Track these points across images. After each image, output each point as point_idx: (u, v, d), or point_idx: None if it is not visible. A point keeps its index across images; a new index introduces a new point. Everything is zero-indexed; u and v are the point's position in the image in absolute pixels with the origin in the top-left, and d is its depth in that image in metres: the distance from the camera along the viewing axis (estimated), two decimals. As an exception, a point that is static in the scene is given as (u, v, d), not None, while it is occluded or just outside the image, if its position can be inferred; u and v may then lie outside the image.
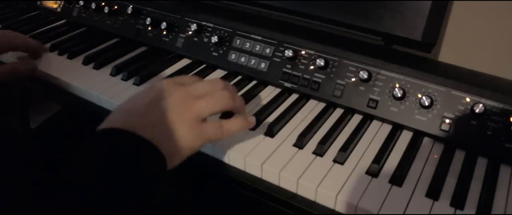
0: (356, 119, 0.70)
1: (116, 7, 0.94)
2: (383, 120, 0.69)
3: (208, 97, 0.56)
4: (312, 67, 0.73)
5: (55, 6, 1.05)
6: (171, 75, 0.79)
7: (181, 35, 0.85)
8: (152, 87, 0.55)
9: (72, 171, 0.47)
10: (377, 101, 0.68)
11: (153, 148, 0.49)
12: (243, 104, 0.62)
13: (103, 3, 0.95)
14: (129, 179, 0.47)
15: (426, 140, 0.66)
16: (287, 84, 0.74)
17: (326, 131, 0.65)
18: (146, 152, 0.49)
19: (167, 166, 0.50)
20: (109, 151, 0.48)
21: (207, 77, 0.80)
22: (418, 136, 0.66)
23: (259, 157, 0.60)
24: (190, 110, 0.54)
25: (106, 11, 0.94)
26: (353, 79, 0.70)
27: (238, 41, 0.79)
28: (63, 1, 1.03)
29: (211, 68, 0.82)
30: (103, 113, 0.74)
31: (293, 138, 0.64)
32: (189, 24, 0.84)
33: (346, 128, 0.68)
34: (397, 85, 0.67)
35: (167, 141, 0.51)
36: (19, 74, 0.78)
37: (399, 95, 0.66)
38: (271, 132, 0.65)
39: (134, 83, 0.78)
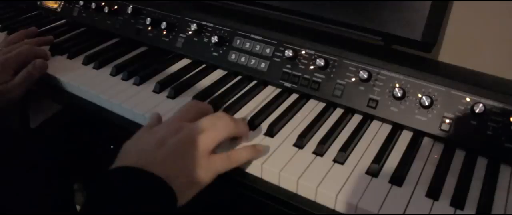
0: (356, 119, 0.70)
1: (116, 7, 0.94)
2: (383, 120, 0.69)
3: (211, 129, 0.58)
4: (312, 67, 0.73)
5: (55, 6, 1.05)
6: (172, 75, 0.79)
7: (181, 35, 0.85)
8: (159, 127, 0.59)
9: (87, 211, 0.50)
10: (377, 101, 0.68)
11: (164, 185, 0.51)
12: (247, 130, 0.63)
13: (103, 3, 0.95)
14: None
15: (426, 140, 0.66)
16: (287, 84, 0.74)
17: (326, 131, 0.65)
18: (158, 189, 0.51)
19: (177, 202, 0.52)
20: (124, 190, 0.50)
21: (207, 77, 0.80)
22: (418, 136, 0.66)
23: (259, 157, 0.60)
24: (196, 144, 0.56)
25: (106, 11, 0.94)
26: (353, 79, 0.70)
27: (238, 41, 0.79)
28: (63, 1, 1.03)
29: (211, 68, 0.82)
30: (102, 112, 0.74)
31: (293, 138, 0.64)
32: (189, 24, 0.84)
33: (346, 128, 0.68)
34: (397, 85, 0.67)
35: (178, 178, 0.52)
36: (35, 79, 0.79)
37: (399, 95, 0.66)
38: (271, 132, 0.65)
39: (134, 83, 0.78)
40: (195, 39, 0.84)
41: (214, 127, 0.58)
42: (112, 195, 0.49)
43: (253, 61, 0.78)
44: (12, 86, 0.76)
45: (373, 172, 0.58)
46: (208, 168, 0.56)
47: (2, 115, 0.81)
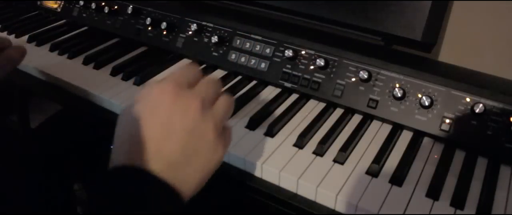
0: (356, 119, 0.70)
1: (116, 7, 0.94)
2: (383, 120, 0.69)
3: (222, 103, 0.48)
4: (312, 67, 0.73)
5: (55, 6, 1.05)
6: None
7: (181, 35, 0.85)
8: (157, 103, 0.45)
9: None
10: (377, 101, 0.68)
11: (172, 192, 0.42)
12: None
13: (103, 3, 0.95)
14: None
15: (426, 140, 0.66)
16: (287, 84, 0.74)
17: (326, 131, 0.65)
18: (164, 197, 0.42)
19: (184, 205, 0.44)
20: (124, 198, 0.40)
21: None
22: (418, 136, 0.66)
23: (259, 157, 0.60)
24: (210, 124, 0.45)
25: (106, 11, 0.94)
26: (353, 79, 0.70)
27: (238, 41, 0.79)
28: (63, 1, 1.03)
29: (211, 68, 0.82)
30: (103, 112, 0.74)
31: (293, 138, 0.64)
32: (189, 24, 0.84)
33: (346, 128, 0.68)
34: (397, 85, 0.67)
35: (193, 177, 0.44)
36: (15, 62, 0.71)
37: (399, 95, 0.66)
38: (271, 132, 0.65)
39: (134, 83, 0.78)
40: (195, 39, 0.84)
41: (223, 100, 0.48)
42: (112, 204, 0.40)
43: (253, 61, 0.78)
44: None
45: (373, 172, 0.58)
46: (221, 153, 0.47)
47: None
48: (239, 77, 0.80)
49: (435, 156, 0.62)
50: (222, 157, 0.47)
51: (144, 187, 0.41)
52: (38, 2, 1.08)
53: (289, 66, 0.75)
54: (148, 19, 0.88)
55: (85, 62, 0.85)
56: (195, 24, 0.83)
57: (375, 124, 0.69)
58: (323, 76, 0.72)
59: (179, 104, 0.45)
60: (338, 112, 0.71)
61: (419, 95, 0.65)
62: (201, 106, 0.45)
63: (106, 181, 0.42)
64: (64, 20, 1.03)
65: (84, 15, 0.99)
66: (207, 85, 0.48)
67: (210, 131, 0.45)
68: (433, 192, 0.55)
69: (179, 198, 0.43)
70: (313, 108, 0.72)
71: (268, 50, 0.77)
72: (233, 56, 0.79)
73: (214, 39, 0.80)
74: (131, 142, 0.44)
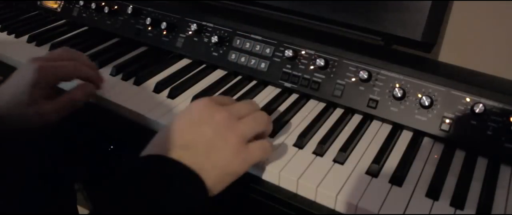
0: (356, 119, 0.70)
1: (116, 7, 0.94)
2: (383, 120, 0.69)
3: (251, 117, 0.54)
4: (312, 67, 0.73)
5: (55, 6, 1.05)
6: (172, 75, 0.79)
7: (181, 35, 0.85)
8: (192, 108, 0.53)
9: (113, 202, 0.45)
10: (377, 101, 0.68)
11: (197, 178, 0.48)
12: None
13: (103, 3, 0.95)
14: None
15: (426, 140, 0.66)
16: (287, 84, 0.74)
17: (326, 131, 0.65)
18: (189, 183, 0.48)
19: (208, 195, 0.49)
20: (150, 182, 0.47)
21: (207, 77, 0.80)
22: (418, 136, 0.66)
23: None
24: (234, 131, 0.51)
25: (106, 11, 0.94)
26: (353, 79, 0.70)
27: (238, 41, 0.79)
28: (63, 1, 1.03)
29: (211, 68, 0.82)
30: (103, 112, 0.74)
31: (293, 138, 0.64)
32: (189, 24, 0.84)
33: (346, 128, 0.68)
34: (397, 85, 0.67)
35: (211, 170, 0.49)
36: (76, 104, 0.67)
37: (399, 95, 0.66)
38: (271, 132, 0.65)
39: (134, 83, 0.78)
40: (195, 39, 0.84)
41: (253, 117, 0.55)
42: (137, 187, 0.46)
43: (253, 61, 0.78)
44: (47, 112, 0.64)
45: (373, 172, 0.58)
46: (245, 158, 0.52)
47: (36, 136, 0.70)
48: (239, 77, 0.80)
49: (435, 156, 0.62)
50: (242, 164, 0.52)
51: (162, 168, 0.48)
52: (38, 2, 1.08)
53: (289, 66, 0.75)
54: (148, 19, 0.88)
55: (85, 62, 0.84)
56: (195, 24, 0.83)
57: (375, 124, 0.69)
58: (323, 76, 0.72)
59: (209, 110, 0.52)
60: (338, 112, 0.71)
61: (419, 95, 0.65)
62: (228, 116, 0.52)
63: (126, 166, 0.48)
64: (64, 20, 1.03)
65: (84, 15, 0.99)
66: (239, 105, 0.56)
67: (233, 136, 0.51)
68: (433, 192, 0.55)
69: (198, 181, 0.48)
70: (313, 108, 0.72)
71: (268, 50, 0.77)
72: (233, 56, 0.79)
73: (214, 39, 0.80)
74: (160, 136, 0.52)
